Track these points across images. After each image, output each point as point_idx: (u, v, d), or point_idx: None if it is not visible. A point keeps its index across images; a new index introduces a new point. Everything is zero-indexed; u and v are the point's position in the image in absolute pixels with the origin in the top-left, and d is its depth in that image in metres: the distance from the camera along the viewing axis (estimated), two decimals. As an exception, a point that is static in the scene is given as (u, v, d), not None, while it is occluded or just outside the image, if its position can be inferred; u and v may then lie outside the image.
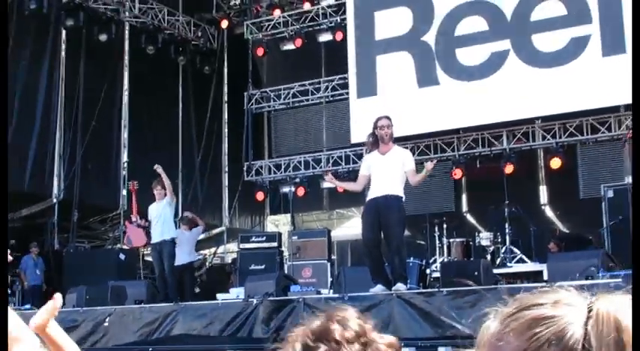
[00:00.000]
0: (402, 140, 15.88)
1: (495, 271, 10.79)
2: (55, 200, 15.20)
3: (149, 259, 16.69)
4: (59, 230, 14.90)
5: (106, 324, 9.96)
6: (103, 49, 16.10)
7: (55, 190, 15.27)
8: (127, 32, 16.78)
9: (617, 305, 1.21)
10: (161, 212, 12.07)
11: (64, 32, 15.55)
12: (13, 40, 14.41)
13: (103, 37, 15.83)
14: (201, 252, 18.24)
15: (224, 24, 18.43)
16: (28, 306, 11.58)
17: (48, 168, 15.20)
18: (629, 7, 13.10)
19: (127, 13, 16.37)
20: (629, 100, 13.22)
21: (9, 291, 13.09)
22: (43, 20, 15.03)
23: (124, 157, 16.55)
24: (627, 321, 1.21)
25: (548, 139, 14.76)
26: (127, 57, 16.88)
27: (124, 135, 16.64)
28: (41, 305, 3.07)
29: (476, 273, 9.25)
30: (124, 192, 16.17)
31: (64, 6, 15.14)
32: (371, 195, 9.56)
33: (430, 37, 14.88)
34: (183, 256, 12.48)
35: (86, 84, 15.76)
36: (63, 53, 15.65)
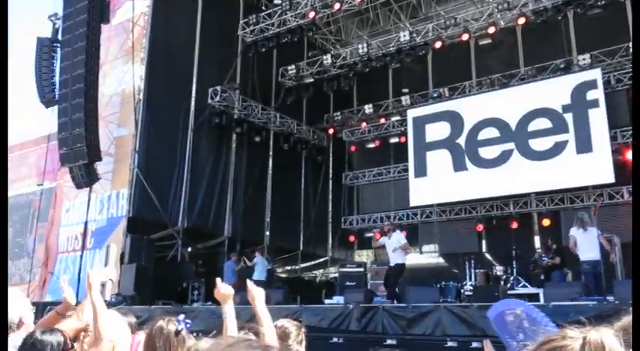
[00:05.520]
0: (443, 205, 15.68)
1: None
2: (225, 237, 15.35)
3: (282, 275, 16.76)
4: (228, 256, 14.96)
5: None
6: (257, 146, 16.34)
7: (226, 231, 15.41)
8: (272, 135, 16.99)
9: (602, 334, 1.23)
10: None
11: (234, 136, 15.84)
12: (204, 140, 14.86)
13: (257, 139, 16.12)
14: (314, 272, 18.18)
15: (330, 131, 18.68)
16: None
17: (222, 216, 15.36)
18: (594, 120, 12.73)
19: (272, 125, 16.65)
20: (594, 182, 12.70)
21: (195, 292, 13.08)
22: (221, 129, 15.32)
23: (268, 212, 16.67)
24: (609, 343, 1.22)
25: (540, 207, 14.23)
26: (271, 151, 17.07)
27: (269, 197, 16.75)
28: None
29: (496, 294, 8.87)
30: (267, 233, 16.31)
31: (235, 120, 15.52)
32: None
33: (462, 141, 14.72)
34: None
35: (247, 166, 16.01)
36: (233, 147, 15.91)
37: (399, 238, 10.65)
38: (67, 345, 2.59)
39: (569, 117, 13.13)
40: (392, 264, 10.58)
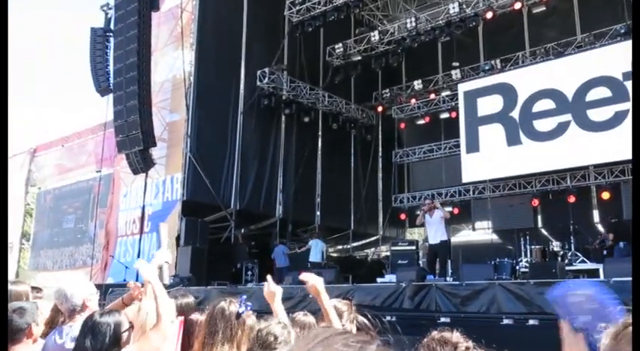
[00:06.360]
0: (496, 181, 15.34)
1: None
2: (277, 217, 15.54)
3: (333, 254, 16.84)
4: (280, 236, 15.17)
5: (310, 296, 9.97)
6: (306, 126, 16.37)
7: (277, 212, 15.58)
8: (320, 115, 16.97)
9: None
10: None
11: (283, 117, 15.91)
12: (254, 123, 14.99)
13: (306, 119, 16.12)
14: (366, 250, 18.21)
15: (379, 109, 18.51)
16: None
17: (273, 198, 15.53)
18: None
19: (320, 104, 16.64)
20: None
21: (249, 273, 13.28)
22: (270, 110, 15.41)
23: (318, 192, 16.74)
24: None
25: (600, 179, 13.73)
26: (320, 131, 17.08)
27: (319, 177, 16.81)
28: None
29: (553, 270, 8.66)
30: (318, 213, 16.40)
31: (283, 101, 15.57)
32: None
33: (515, 114, 14.30)
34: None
35: (296, 147, 16.08)
36: (282, 128, 15.99)
37: (440, 214, 11.11)
38: (126, 325, 2.69)
39: (630, 85, 12.51)
40: (436, 241, 10.81)
